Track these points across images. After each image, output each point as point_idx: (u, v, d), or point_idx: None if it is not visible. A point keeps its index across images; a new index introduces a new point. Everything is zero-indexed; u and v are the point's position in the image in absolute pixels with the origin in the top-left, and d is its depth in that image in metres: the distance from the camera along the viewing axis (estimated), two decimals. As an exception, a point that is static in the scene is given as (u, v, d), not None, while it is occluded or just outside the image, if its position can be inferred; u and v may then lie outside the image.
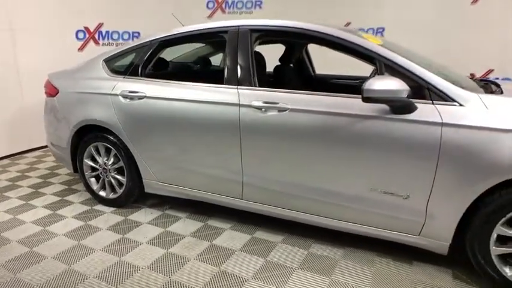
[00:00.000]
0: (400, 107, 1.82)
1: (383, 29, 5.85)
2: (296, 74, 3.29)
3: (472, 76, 5.26)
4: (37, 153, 4.46)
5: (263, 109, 2.14)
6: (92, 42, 5.13)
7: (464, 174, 1.75)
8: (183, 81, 2.47)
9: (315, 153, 2.05)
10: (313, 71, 3.58)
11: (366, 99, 1.77)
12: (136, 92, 2.56)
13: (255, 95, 2.19)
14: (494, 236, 1.77)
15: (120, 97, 2.61)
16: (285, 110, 2.08)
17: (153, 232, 2.51)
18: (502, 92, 2.01)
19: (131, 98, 2.57)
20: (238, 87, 2.25)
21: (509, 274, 1.78)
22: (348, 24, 6.00)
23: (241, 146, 2.24)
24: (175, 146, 2.50)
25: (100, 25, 5.17)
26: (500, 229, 1.74)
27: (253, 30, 2.31)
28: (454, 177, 1.77)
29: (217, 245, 2.34)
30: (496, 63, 4.98)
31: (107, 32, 5.28)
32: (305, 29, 2.15)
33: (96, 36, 5.17)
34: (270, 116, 2.12)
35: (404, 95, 1.76)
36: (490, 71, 5.06)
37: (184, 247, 2.32)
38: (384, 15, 5.75)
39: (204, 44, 3.68)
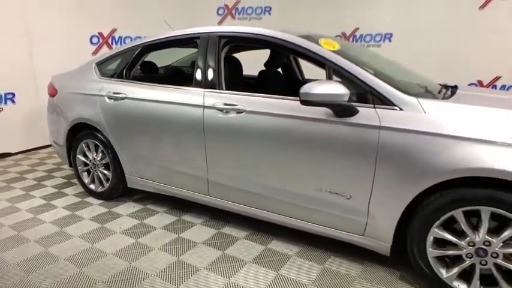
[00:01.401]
0: (341, 110, 1.89)
1: (391, 35, 5.83)
2: (281, 78, 3.39)
3: (480, 83, 5.14)
4: (49, 149, 4.82)
5: (224, 110, 2.28)
6: (105, 47, 5.47)
7: (401, 177, 1.80)
8: (160, 84, 2.66)
9: (268, 154, 2.16)
10: (302, 76, 3.66)
11: (304, 103, 1.86)
12: (119, 93, 2.77)
13: (218, 97, 2.33)
14: (431, 238, 1.80)
15: (106, 98, 2.84)
16: (242, 112, 2.21)
17: (129, 223, 2.71)
18: (450, 97, 2.04)
19: (115, 99, 2.79)
20: (205, 89, 2.41)
21: (444, 276, 1.81)
22: (356, 29, 6.03)
23: (206, 145, 2.38)
24: (150, 144, 2.68)
25: (113, 30, 5.51)
26: (435, 232, 1.78)
27: (222, 36, 2.45)
28: (391, 180, 1.83)
29: (183, 237, 2.49)
30: (503, 70, 4.83)
31: (120, 37, 5.61)
32: (262, 35, 2.27)
33: (110, 41, 5.52)
34: (229, 118, 2.26)
35: (344, 98, 1.84)
36: (497, 78, 4.92)
37: (153, 238, 2.49)
38: (391, 21, 5.74)
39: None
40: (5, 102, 4.48)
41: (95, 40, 5.35)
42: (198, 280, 2.02)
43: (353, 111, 1.88)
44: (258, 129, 2.16)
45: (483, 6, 4.98)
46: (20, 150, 4.65)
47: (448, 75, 5.27)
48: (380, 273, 2.07)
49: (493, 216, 1.66)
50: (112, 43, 5.55)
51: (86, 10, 5.10)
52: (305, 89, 1.83)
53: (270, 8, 6.44)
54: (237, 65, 2.81)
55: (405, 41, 5.67)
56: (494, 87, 4.96)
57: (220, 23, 6.41)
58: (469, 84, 5.14)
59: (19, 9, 4.43)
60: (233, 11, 6.52)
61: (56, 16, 4.81)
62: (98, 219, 2.78)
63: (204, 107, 2.35)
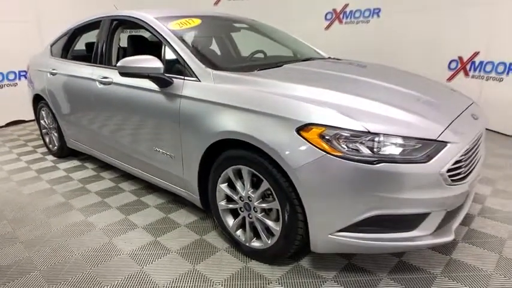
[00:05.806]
0: (159, 81, 2.22)
1: (379, 10, 5.67)
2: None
3: (460, 60, 4.77)
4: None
5: (102, 83, 2.73)
6: (109, 30, 6.19)
7: (194, 140, 2.08)
8: (77, 61, 3.20)
9: (124, 119, 2.58)
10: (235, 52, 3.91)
11: (122, 74, 2.22)
12: (54, 69, 3.38)
13: (102, 71, 2.79)
14: (221, 193, 2.08)
15: (48, 73, 3.47)
16: (110, 83, 2.65)
17: (58, 175, 3.35)
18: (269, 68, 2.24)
19: (53, 74, 3.41)
20: (97, 65, 2.88)
21: (230, 226, 2.09)
22: (346, 5, 5.95)
23: (96, 110, 2.88)
24: (70, 111, 3.26)
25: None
26: (220, 187, 2.05)
27: (112, 19, 2.88)
28: (189, 142, 2.13)
29: (86, 188, 3.05)
30: (482, 45, 4.44)
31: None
32: (129, 16, 2.65)
33: (114, 25, 6.22)
34: (103, 88, 2.72)
35: (158, 71, 2.15)
36: (476, 54, 4.54)
37: (64, 186, 3.09)
38: (380, -4, 5.59)
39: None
40: (19, 78, 5.47)
41: (98, 24, 6.09)
42: (66, 217, 2.56)
43: (167, 83, 2.20)
44: (117, 98, 2.59)
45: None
46: (32, 119, 5.63)
47: (431, 52, 5.02)
48: (207, 225, 2.40)
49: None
50: (115, 26, 6.25)
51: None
52: (121, 62, 2.19)
53: (266, -12, 6.54)
54: (142, 43, 3.20)
55: (392, 16, 5.48)
56: (473, 64, 4.59)
57: (216, 4, 6.74)
58: (450, 62, 4.82)
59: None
60: (229, -7, 6.76)
61: (64, 4, 5.63)
62: (40, 171, 3.47)
63: (91, 79, 2.83)
